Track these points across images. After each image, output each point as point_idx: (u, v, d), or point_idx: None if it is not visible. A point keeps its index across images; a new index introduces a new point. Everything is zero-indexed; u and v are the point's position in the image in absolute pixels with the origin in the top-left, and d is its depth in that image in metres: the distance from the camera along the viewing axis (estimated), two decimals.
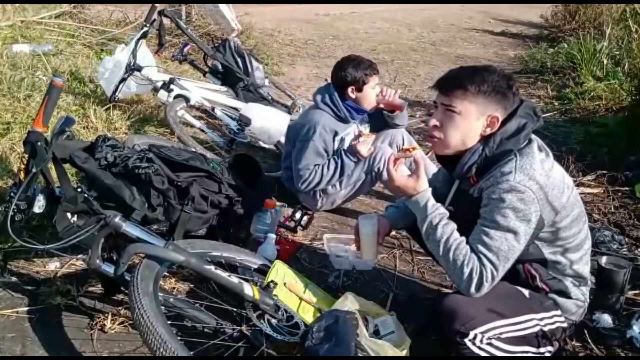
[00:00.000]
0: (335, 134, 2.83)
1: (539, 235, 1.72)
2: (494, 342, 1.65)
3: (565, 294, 1.81)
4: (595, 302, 2.08)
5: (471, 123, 1.70)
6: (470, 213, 1.71)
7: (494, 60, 7.12)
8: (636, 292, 2.32)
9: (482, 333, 1.63)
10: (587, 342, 2.00)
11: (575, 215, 1.75)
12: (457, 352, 1.68)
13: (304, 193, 2.92)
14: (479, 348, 1.64)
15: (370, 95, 2.83)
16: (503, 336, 1.66)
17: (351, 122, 2.90)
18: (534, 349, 1.72)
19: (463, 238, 1.70)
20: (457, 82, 1.71)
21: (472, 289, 1.64)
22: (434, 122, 1.76)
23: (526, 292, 1.77)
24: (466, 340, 1.62)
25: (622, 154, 3.66)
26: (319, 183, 2.79)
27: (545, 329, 1.74)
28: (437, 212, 1.73)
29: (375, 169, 2.78)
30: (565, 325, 1.80)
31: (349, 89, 2.81)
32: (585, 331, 1.98)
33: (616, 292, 2.11)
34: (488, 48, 7.91)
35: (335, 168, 2.77)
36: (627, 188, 3.31)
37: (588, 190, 3.29)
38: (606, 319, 2.06)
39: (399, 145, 3.00)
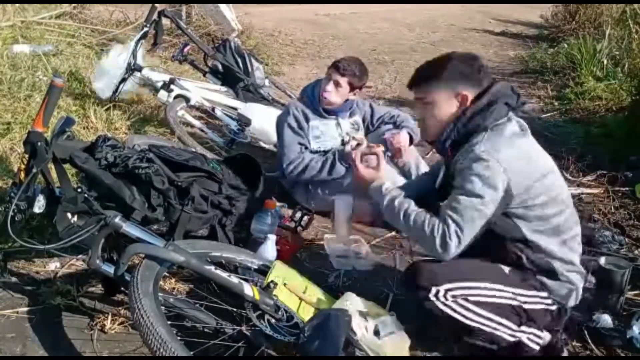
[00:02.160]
0: (306, 117, 2.89)
1: (513, 212, 1.74)
2: (459, 300, 1.71)
3: (553, 274, 1.82)
4: (595, 302, 2.08)
5: (444, 107, 1.83)
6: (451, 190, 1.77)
7: (494, 60, 7.12)
8: (636, 292, 2.32)
9: (445, 290, 1.70)
10: (587, 342, 2.00)
11: (553, 197, 1.78)
12: (424, 309, 1.74)
13: (296, 190, 2.94)
14: (444, 304, 1.71)
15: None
16: (471, 298, 1.72)
17: (327, 116, 2.92)
18: (513, 325, 1.75)
19: (423, 209, 1.77)
20: (421, 75, 1.88)
21: (438, 248, 1.69)
22: (417, 116, 1.98)
23: (507, 269, 1.80)
24: (430, 295, 1.70)
25: (622, 154, 3.66)
26: (303, 171, 2.82)
27: (525, 306, 1.76)
28: (393, 193, 1.86)
29: None
30: (553, 308, 1.81)
31: None
32: (585, 331, 1.99)
33: (616, 292, 2.11)
34: (488, 48, 7.91)
35: (323, 165, 2.80)
36: (627, 188, 3.31)
37: (588, 190, 3.29)
38: (606, 319, 2.06)
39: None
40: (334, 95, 2.86)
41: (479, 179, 1.68)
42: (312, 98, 2.93)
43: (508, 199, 1.70)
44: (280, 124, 2.93)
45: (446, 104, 1.82)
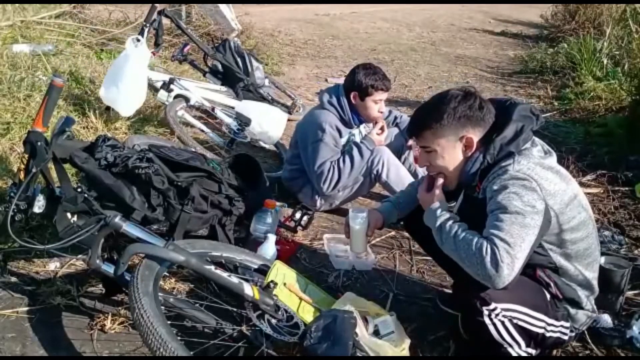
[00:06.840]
0: (340, 132, 2.84)
1: (546, 239, 1.71)
2: (506, 322, 1.66)
3: (577, 304, 1.80)
4: (595, 302, 2.08)
5: (450, 152, 1.77)
6: (479, 215, 1.71)
7: (494, 60, 7.13)
8: (636, 292, 2.32)
9: (503, 309, 1.65)
10: (587, 342, 2.00)
11: (582, 219, 1.74)
12: (471, 319, 1.69)
13: (304, 193, 2.93)
14: (491, 321, 1.65)
15: (370, 108, 2.83)
16: (514, 321, 1.68)
17: (354, 126, 2.92)
18: (523, 345, 1.72)
19: (475, 232, 1.67)
20: (421, 124, 1.81)
21: (489, 267, 1.55)
22: (423, 165, 1.87)
23: (548, 295, 1.77)
24: (485, 308, 1.64)
25: (622, 154, 3.66)
26: (339, 179, 2.77)
27: (547, 335, 1.74)
28: (447, 215, 1.76)
29: (374, 171, 2.79)
30: (565, 337, 1.81)
31: (352, 94, 2.83)
32: (585, 331, 1.99)
33: (616, 292, 2.11)
34: (488, 48, 7.92)
35: (351, 156, 2.77)
36: (627, 188, 3.32)
37: (588, 190, 3.28)
38: (606, 319, 2.06)
39: (395, 146, 3.03)
40: None
41: (517, 196, 1.61)
42: (342, 109, 2.85)
43: (547, 220, 1.65)
44: (316, 143, 2.80)
45: (452, 150, 1.76)
